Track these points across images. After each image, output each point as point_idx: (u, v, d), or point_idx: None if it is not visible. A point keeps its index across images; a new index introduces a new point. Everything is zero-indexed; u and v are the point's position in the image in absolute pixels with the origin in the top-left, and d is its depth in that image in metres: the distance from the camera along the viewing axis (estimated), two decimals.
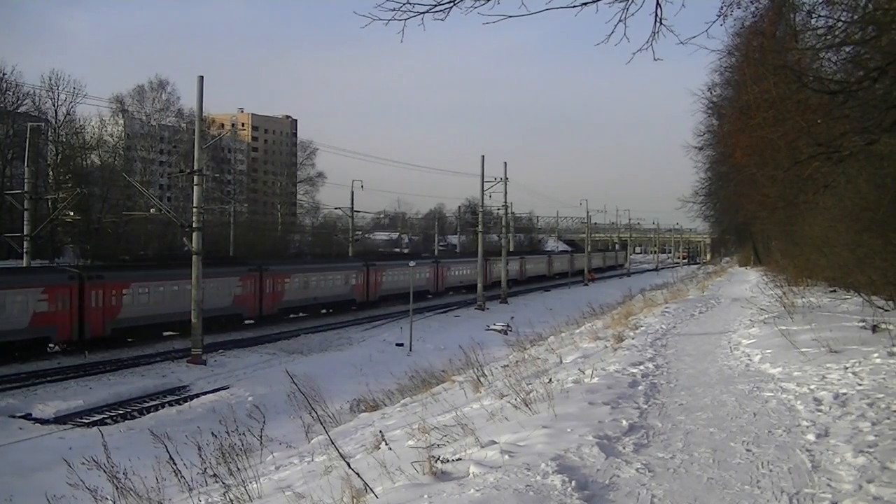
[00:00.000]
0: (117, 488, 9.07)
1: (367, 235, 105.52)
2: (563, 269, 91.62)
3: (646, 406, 8.71)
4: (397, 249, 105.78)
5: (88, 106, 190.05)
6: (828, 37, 10.30)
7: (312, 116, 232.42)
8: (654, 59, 7.36)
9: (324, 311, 48.15)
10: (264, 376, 27.29)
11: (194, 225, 31.41)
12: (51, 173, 61.74)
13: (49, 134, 62.91)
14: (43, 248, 52.52)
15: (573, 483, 5.67)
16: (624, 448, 6.80)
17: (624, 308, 28.98)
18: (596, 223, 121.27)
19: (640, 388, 9.89)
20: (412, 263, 50.51)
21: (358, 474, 6.38)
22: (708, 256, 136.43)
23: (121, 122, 77.36)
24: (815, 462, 6.21)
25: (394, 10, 6.55)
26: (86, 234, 60.66)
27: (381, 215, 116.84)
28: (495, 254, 66.92)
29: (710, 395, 9.41)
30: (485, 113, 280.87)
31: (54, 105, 63.32)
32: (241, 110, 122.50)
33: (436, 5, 6.73)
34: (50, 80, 62.68)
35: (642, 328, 18.50)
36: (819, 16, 11.07)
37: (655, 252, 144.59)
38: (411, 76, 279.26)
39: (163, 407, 24.12)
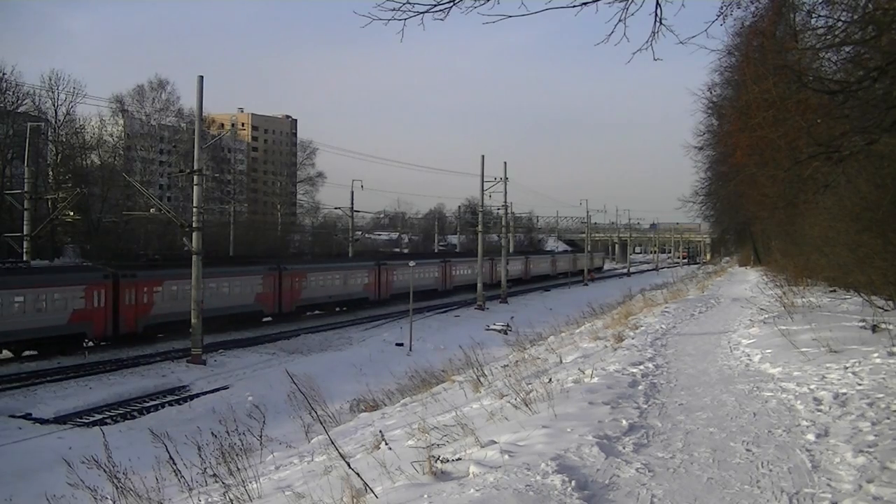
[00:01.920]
0: (117, 488, 9.07)
1: (367, 235, 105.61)
2: (516, 275, 75.78)
3: (646, 406, 8.71)
4: (397, 249, 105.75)
5: (88, 106, 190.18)
6: (828, 37, 10.31)
7: (312, 116, 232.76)
8: (654, 59, 7.38)
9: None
10: (264, 376, 27.29)
11: (194, 225, 31.41)
12: (51, 173, 61.63)
13: (49, 134, 62.80)
14: (43, 248, 52.40)
15: (573, 483, 5.66)
16: (624, 448, 6.79)
17: (624, 308, 28.98)
18: (596, 223, 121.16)
19: (640, 387, 9.89)
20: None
21: (358, 474, 6.38)
22: (708, 256, 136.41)
23: (121, 122, 77.28)
24: (815, 462, 6.21)
25: (393, 10, 6.56)
26: (86, 233, 60.62)
27: (381, 215, 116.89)
28: (494, 253, 67.10)
29: (709, 394, 9.40)
30: (485, 113, 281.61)
31: (54, 105, 63.18)
32: (241, 110, 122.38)
33: (435, 5, 6.74)
34: (50, 79, 62.53)
35: (642, 328, 18.49)
36: (819, 16, 11.09)
37: (655, 252, 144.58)
38: (411, 76, 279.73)
39: (163, 407, 24.14)
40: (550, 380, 10.88)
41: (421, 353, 31.10)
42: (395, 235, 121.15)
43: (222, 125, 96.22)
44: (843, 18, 9.98)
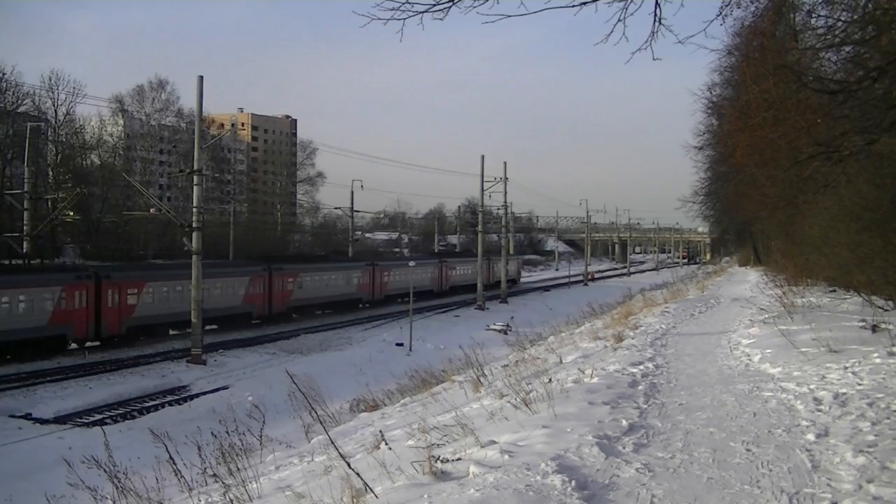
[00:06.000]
0: (117, 488, 9.07)
1: (366, 235, 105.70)
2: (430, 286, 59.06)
3: (646, 406, 8.70)
4: (397, 249, 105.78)
5: (88, 106, 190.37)
6: (828, 37, 10.32)
7: (312, 116, 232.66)
8: (654, 59, 7.38)
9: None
10: (264, 376, 27.29)
11: (194, 225, 31.41)
12: (51, 173, 61.70)
13: (49, 134, 62.89)
14: (43, 248, 52.43)
15: (573, 483, 5.66)
16: (624, 448, 6.79)
17: (624, 308, 28.98)
18: (596, 223, 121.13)
19: (639, 387, 9.88)
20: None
21: (358, 474, 6.37)
22: (708, 256, 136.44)
23: (121, 121, 77.42)
24: (815, 462, 6.20)
25: (392, 9, 6.56)
26: (86, 233, 60.68)
27: (381, 215, 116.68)
28: (495, 253, 67.10)
29: (709, 394, 9.40)
30: (485, 113, 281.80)
31: (54, 105, 63.31)
32: (241, 110, 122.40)
33: (434, 5, 6.74)
34: (50, 79, 62.71)
35: (642, 328, 18.49)
36: (819, 16, 11.09)
37: (655, 252, 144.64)
38: (411, 76, 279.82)
39: (163, 407, 24.14)
40: (550, 380, 10.87)
41: (421, 353, 31.10)
42: (394, 235, 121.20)
43: (222, 125, 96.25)
44: (843, 18, 9.99)
